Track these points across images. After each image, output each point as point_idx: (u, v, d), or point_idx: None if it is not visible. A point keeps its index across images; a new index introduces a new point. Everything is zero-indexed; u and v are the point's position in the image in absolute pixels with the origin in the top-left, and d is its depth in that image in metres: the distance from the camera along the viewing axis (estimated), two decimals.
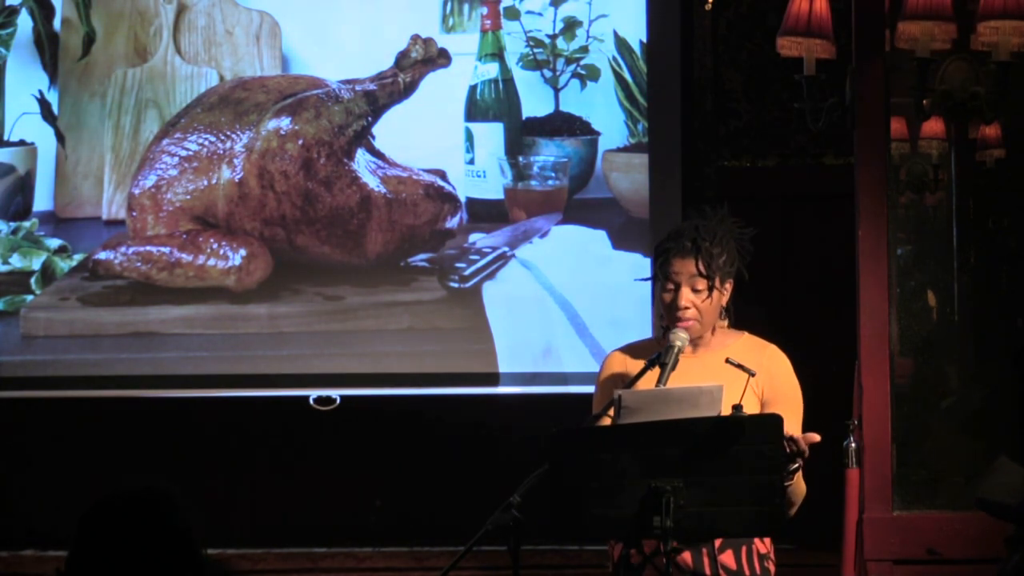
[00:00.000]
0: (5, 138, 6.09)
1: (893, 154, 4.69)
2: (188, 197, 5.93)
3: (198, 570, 2.56)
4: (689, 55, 5.88)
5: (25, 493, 6.08)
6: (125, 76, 6.07)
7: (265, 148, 5.90)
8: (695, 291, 3.59)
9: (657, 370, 3.50)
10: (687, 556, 3.49)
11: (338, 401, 5.85)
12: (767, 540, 3.58)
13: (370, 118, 5.94)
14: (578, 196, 5.89)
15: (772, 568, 3.59)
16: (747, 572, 3.53)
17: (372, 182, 5.90)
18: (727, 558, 3.51)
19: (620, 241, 5.83)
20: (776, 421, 3.15)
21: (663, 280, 3.62)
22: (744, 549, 3.52)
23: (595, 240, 5.86)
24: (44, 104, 6.08)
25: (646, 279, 3.70)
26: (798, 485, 3.37)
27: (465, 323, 5.83)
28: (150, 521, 2.57)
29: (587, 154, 5.88)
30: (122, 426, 5.92)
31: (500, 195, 5.92)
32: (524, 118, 5.92)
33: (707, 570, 3.50)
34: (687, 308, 3.58)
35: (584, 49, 5.89)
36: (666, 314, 3.62)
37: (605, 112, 5.88)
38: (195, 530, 2.58)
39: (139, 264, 5.93)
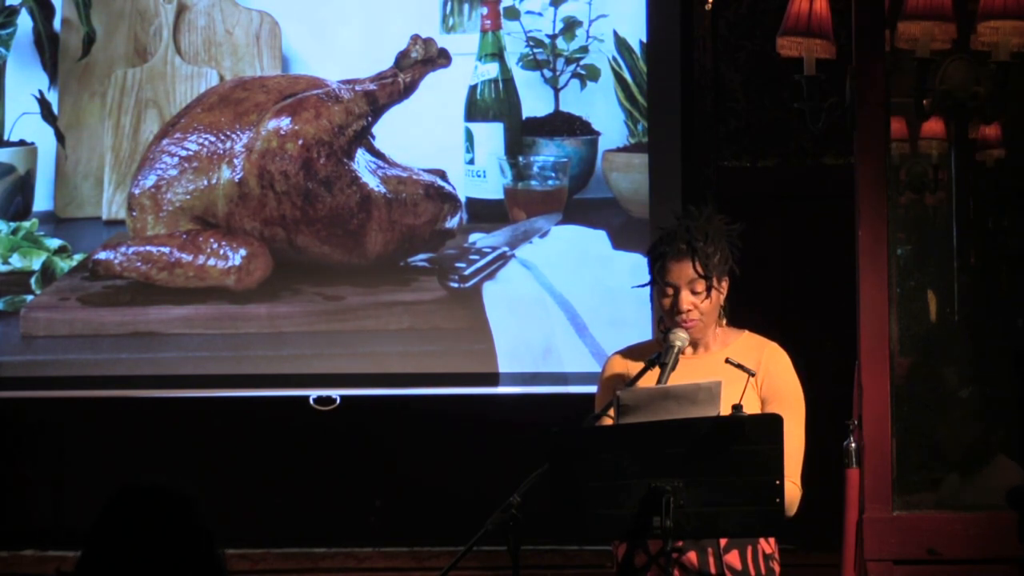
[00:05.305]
0: (5, 138, 6.09)
1: (893, 154, 4.68)
2: (188, 197, 5.93)
3: (217, 573, 2.57)
4: (689, 55, 5.87)
5: (25, 493, 6.09)
6: (125, 76, 6.07)
7: (265, 148, 5.90)
8: (694, 293, 3.60)
9: (657, 370, 3.51)
10: (692, 556, 3.51)
11: (338, 401, 5.85)
12: (772, 540, 3.59)
13: (370, 118, 5.94)
14: (578, 196, 5.89)
15: (777, 568, 3.60)
16: (752, 572, 3.54)
17: (372, 182, 5.91)
18: (732, 558, 3.52)
19: (620, 241, 5.84)
20: (776, 421, 3.15)
21: (661, 285, 3.63)
22: (749, 549, 3.53)
23: (595, 240, 5.85)
24: (44, 104, 6.08)
25: (644, 285, 3.71)
26: (788, 492, 3.38)
27: (465, 323, 5.83)
28: (176, 518, 2.58)
29: (587, 154, 5.88)
30: (122, 426, 5.92)
31: (500, 195, 5.92)
32: (524, 118, 5.92)
33: (712, 570, 3.51)
34: (689, 310, 3.59)
35: (584, 49, 5.89)
36: (667, 318, 3.63)
37: (605, 112, 5.88)
38: (215, 533, 2.59)
39: (139, 264, 5.93)
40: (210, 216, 5.92)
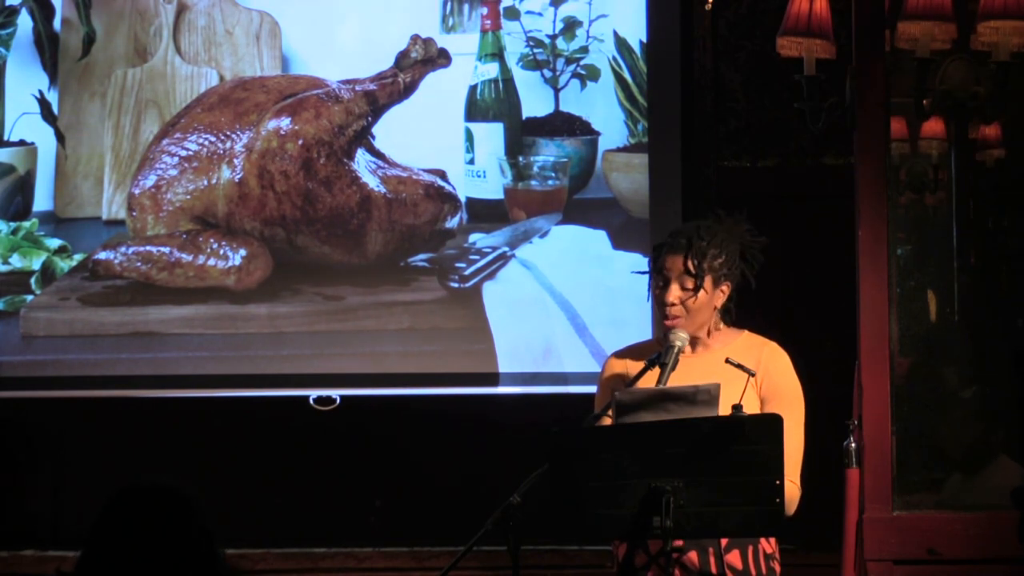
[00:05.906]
0: (5, 138, 6.09)
1: (893, 154, 4.68)
2: (188, 197, 5.93)
3: (217, 573, 2.57)
4: (689, 55, 5.87)
5: (25, 493, 6.08)
6: (125, 76, 6.07)
7: (265, 148, 5.90)
8: (683, 288, 3.61)
9: (657, 370, 3.51)
10: (693, 556, 3.51)
11: (338, 401, 5.85)
12: (772, 540, 3.60)
13: (370, 118, 5.94)
14: (578, 196, 5.89)
15: (778, 568, 3.61)
16: (753, 572, 3.54)
17: (372, 182, 5.91)
18: (733, 558, 3.52)
19: (620, 241, 5.84)
20: (776, 421, 3.15)
21: (655, 275, 3.65)
22: (750, 549, 3.53)
23: (595, 240, 5.86)
24: (44, 104, 6.08)
25: (643, 272, 3.73)
26: (788, 491, 3.38)
27: (465, 323, 5.83)
28: (176, 518, 2.59)
29: (587, 154, 5.88)
30: (122, 426, 5.92)
31: (500, 195, 5.92)
32: (524, 118, 5.92)
33: (713, 570, 3.51)
34: (673, 304, 3.60)
35: (584, 49, 5.89)
36: (657, 309, 3.66)
37: (605, 112, 5.88)
38: (215, 533, 2.60)
39: (139, 264, 5.93)
40: (210, 216, 5.92)
